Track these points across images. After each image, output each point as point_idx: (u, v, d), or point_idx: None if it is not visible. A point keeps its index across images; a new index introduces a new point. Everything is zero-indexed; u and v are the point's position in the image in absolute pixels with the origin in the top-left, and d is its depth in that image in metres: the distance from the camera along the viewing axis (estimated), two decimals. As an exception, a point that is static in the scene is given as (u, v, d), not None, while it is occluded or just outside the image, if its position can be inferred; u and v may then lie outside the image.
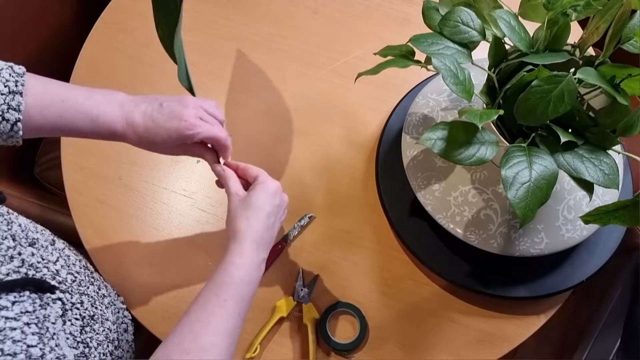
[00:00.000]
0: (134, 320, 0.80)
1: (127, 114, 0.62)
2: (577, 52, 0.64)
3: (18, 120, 0.56)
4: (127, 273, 0.84)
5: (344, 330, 0.81)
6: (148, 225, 0.87)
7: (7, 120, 0.56)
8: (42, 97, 0.59)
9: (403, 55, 0.69)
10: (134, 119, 0.62)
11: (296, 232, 0.85)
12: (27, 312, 0.49)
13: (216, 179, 0.70)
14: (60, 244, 0.64)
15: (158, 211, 0.88)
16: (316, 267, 0.84)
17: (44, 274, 0.55)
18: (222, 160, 0.68)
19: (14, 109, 0.56)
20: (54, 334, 0.51)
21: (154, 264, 0.85)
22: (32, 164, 1.13)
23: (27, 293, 0.50)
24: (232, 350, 0.58)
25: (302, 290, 0.82)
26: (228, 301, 0.58)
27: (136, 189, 0.90)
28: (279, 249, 0.84)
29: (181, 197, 0.89)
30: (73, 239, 0.89)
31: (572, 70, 0.57)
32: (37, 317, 0.50)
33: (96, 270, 0.73)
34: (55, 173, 1.05)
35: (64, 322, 0.54)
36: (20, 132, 0.58)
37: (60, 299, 0.55)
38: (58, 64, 1.04)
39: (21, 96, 0.56)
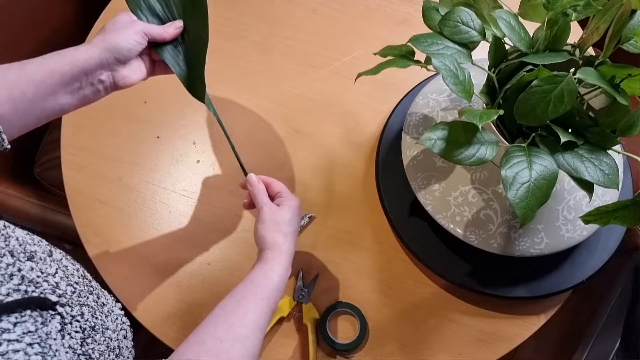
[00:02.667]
0: (134, 320, 0.80)
1: (90, 42, 0.64)
2: (577, 52, 0.64)
3: None
4: (127, 273, 0.84)
5: (344, 330, 0.81)
6: (148, 225, 0.87)
7: None
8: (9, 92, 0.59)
9: (403, 55, 0.69)
10: (99, 36, 0.65)
11: (296, 232, 0.86)
12: (30, 332, 0.49)
13: (244, 200, 0.76)
14: (57, 254, 0.63)
15: (158, 211, 0.88)
16: (316, 267, 0.84)
17: (44, 289, 0.55)
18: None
19: None
20: (57, 350, 0.51)
21: (154, 264, 0.85)
22: (32, 164, 1.13)
23: (28, 312, 0.50)
24: (259, 346, 0.61)
25: (302, 290, 0.82)
26: (264, 301, 0.62)
27: (136, 189, 0.90)
28: (279, 249, 0.84)
29: (181, 197, 0.89)
30: (73, 239, 0.89)
31: (572, 70, 0.57)
32: (39, 337, 0.49)
33: (94, 278, 0.73)
34: (55, 173, 1.05)
35: (63, 337, 0.53)
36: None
37: (59, 313, 0.55)
38: (58, 64, 1.04)
39: None
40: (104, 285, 0.81)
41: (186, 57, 0.70)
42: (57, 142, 0.93)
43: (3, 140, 0.58)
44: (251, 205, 0.74)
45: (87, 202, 0.88)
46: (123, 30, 0.65)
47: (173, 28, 0.69)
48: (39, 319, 0.51)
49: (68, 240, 1.08)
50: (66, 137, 0.93)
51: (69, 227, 0.91)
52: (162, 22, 0.71)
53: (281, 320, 0.81)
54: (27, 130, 0.62)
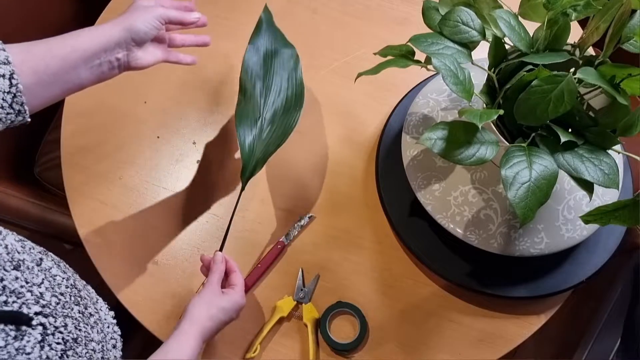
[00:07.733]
0: (133, 320, 0.80)
1: (111, 21, 0.67)
2: (577, 52, 0.64)
3: (12, 73, 0.58)
4: (127, 273, 0.84)
5: (344, 330, 0.81)
6: (148, 225, 0.87)
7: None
8: (33, 65, 0.61)
9: (403, 55, 0.69)
10: (120, 16, 0.67)
11: (296, 232, 0.85)
12: None
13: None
14: (48, 262, 0.62)
15: (158, 211, 0.88)
16: (316, 267, 0.84)
17: (26, 299, 0.54)
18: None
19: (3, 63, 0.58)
20: None
21: (153, 263, 0.85)
22: (32, 164, 1.13)
23: (1, 326, 0.49)
24: None
25: (302, 290, 0.82)
26: None
27: (136, 189, 0.90)
28: (278, 248, 0.84)
29: (181, 197, 0.89)
30: (73, 239, 0.89)
31: (572, 70, 0.57)
32: (8, 352, 0.48)
33: (89, 282, 0.72)
34: (55, 173, 1.05)
35: (42, 348, 0.52)
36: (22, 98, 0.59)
37: (42, 324, 0.54)
38: (58, 64, 1.04)
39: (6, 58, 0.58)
40: (103, 285, 0.81)
41: (262, 137, 0.79)
42: (57, 142, 0.93)
43: (25, 111, 0.60)
44: (205, 271, 0.76)
45: (87, 202, 0.88)
46: (142, 13, 0.67)
47: (192, 16, 0.72)
48: (13, 332, 0.50)
49: (68, 240, 1.08)
50: (66, 137, 0.93)
51: (69, 227, 0.91)
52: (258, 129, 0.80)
53: (281, 320, 0.81)
54: (48, 103, 0.64)
